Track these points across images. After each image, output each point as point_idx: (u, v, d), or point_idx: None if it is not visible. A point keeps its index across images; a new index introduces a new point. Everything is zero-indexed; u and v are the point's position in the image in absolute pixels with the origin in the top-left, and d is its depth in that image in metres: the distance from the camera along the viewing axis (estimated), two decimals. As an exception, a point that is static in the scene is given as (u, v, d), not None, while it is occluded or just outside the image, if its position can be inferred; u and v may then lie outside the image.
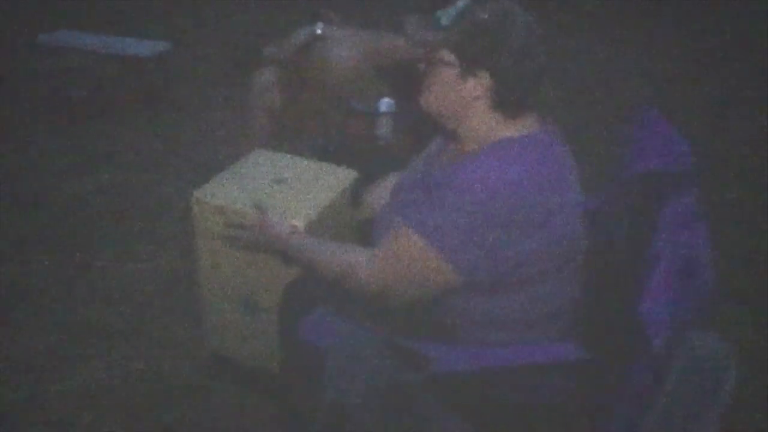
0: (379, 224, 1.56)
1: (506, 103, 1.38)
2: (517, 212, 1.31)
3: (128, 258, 2.62)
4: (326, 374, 1.24)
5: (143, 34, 4.27)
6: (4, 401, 1.97)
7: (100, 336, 2.21)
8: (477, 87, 1.36)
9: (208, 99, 4.05)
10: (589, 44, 4.95)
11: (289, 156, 1.96)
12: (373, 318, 1.44)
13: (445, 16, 1.38)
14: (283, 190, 1.78)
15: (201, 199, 1.74)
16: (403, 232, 1.37)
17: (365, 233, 1.87)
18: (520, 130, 1.39)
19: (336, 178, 1.85)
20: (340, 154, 2.65)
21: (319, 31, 2.49)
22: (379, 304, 1.43)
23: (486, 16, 1.34)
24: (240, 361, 1.94)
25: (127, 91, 3.96)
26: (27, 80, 4.23)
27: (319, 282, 1.49)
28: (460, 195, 1.32)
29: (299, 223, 1.64)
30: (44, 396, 1.99)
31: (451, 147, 1.53)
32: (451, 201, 1.32)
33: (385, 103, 2.47)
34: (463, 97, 1.38)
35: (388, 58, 2.49)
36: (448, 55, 1.37)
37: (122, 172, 3.27)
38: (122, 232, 2.79)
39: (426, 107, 1.45)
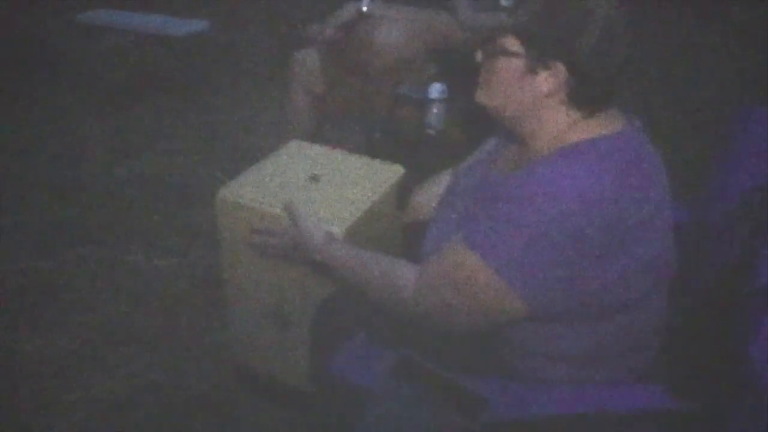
0: (431, 236, 1.34)
1: (585, 99, 1.14)
2: (600, 230, 1.07)
3: (158, 252, 2.48)
4: (365, 421, 1.04)
5: (182, 14, 4.12)
6: (21, 408, 1.84)
7: (124, 341, 2.06)
8: (549, 81, 1.13)
9: (249, 82, 3.89)
10: (664, 21, 4.50)
11: (326, 149, 1.74)
12: (412, 341, 1.23)
13: None
14: (319, 190, 1.56)
15: (226, 198, 1.54)
16: (459, 250, 1.15)
17: (410, 239, 1.68)
18: (601, 129, 1.15)
19: (380, 176, 1.63)
20: (386, 143, 2.44)
21: (365, 9, 2.26)
22: (424, 330, 1.21)
23: None
24: (268, 375, 1.75)
25: (166, 73, 3.83)
26: (65, 62, 4.14)
27: (358, 301, 1.28)
28: (529, 209, 1.08)
29: (337, 230, 1.42)
30: (63, 404, 1.85)
31: (514, 149, 1.30)
32: (518, 216, 1.09)
33: (437, 89, 2.24)
34: (531, 93, 1.15)
35: (441, 40, 2.25)
36: (513, 44, 1.14)
37: (158, 159, 3.15)
38: (154, 224, 2.66)
39: (485, 104, 1.22)
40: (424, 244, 1.35)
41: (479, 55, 1.21)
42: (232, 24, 4.69)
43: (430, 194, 1.66)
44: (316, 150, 1.73)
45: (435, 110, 2.25)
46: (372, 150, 2.39)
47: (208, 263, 2.38)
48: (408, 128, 2.33)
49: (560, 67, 1.11)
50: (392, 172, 1.65)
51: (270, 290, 1.57)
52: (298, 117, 2.52)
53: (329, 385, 1.18)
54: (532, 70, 1.13)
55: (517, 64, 1.14)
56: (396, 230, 1.67)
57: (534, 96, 1.15)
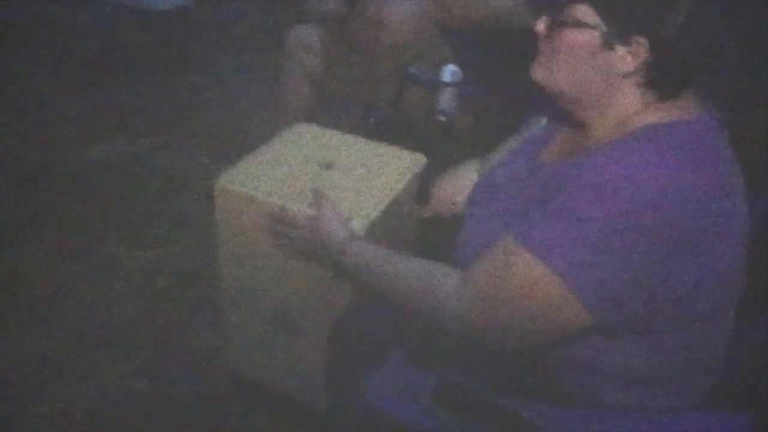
0: (470, 235, 1.16)
1: (664, 81, 1.01)
2: (677, 228, 0.93)
3: (137, 244, 2.26)
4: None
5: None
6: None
7: (101, 343, 1.86)
8: (627, 59, 1.00)
9: (237, 61, 3.65)
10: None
11: (338, 133, 1.55)
12: (450, 359, 1.06)
13: None
14: (332, 179, 1.37)
15: (226, 187, 1.34)
16: (512, 251, 0.99)
17: (427, 236, 1.50)
18: (678, 113, 1.02)
19: (400, 165, 1.44)
20: (390, 130, 2.25)
21: (372, -20, 2.06)
22: (466, 346, 1.04)
23: None
24: (268, 385, 1.56)
25: (144, 49, 3.59)
26: (33, 34, 3.86)
27: (388, 310, 1.10)
28: (596, 202, 0.94)
29: (357, 225, 1.24)
30: (30, 418, 1.64)
31: (568, 134, 1.16)
32: (582, 210, 0.94)
33: (450, 72, 2.05)
34: (603, 71, 1.02)
35: (456, 18, 2.06)
36: (588, 14, 1.01)
37: (135, 141, 2.91)
38: (132, 213, 2.43)
39: (544, 82, 1.08)
40: (462, 245, 1.18)
41: (541, 25, 1.06)
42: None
43: (452, 187, 1.50)
44: (326, 134, 1.54)
45: (447, 95, 2.07)
46: (373, 138, 2.21)
47: (195, 256, 2.18)
48: (417, 115, 2.14)
49: (643, 44, 0.98)
50: (413, 161, 1.47)
51: (274, 292, 1.38)
52: (293, 100, 2.31)
53: (359, 415, 0.99)
54: (608, 46, 1.00)
55: (591, 37, 1.00)
56: (413, 227, 1.49)
57: (606, 75, 1.02)
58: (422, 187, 1.48)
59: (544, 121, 1.27)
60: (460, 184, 1.47)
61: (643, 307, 0.96)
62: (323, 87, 2.26)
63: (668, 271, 0.94)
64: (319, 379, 1.32)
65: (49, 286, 2.06)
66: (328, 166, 1.41)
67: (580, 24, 1.00)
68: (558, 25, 1.02)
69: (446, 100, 2.07)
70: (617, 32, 0.98)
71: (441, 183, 1.50)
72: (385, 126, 2.22)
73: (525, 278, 0.97)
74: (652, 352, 1.03)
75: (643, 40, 0.98)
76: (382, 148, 1.50)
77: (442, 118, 2.08)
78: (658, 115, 1.01)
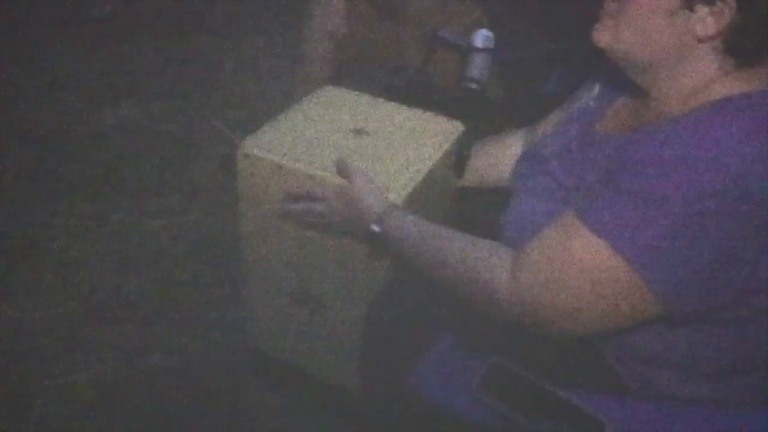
0: (520, 211, 1.06)
1: (748, 47, 0.91)
2: (761, 211, 0.83)
3: (150, 211, 2.19)
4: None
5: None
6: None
7: (113, 315, 1.78)
8: (709, 21, 0.90)
9: (255, 21, 3.52)
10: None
11: (369, 97, 1.45)
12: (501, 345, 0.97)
13: None
14: (366, 146, 1.27)
15: (251, 153, 1.24)
16: (574, 232, 0.90)
17: (463, 208, 1.42)
18: (757, 83, 0.92)
19: (437, 132, 1.34)
20: (418, 96, 2.14)
21: (403, -65, 1.94)
22: (519, 332, 0.95)
23: None
24: (289, 363, 1.47)
25: (157, 8, 3.47)
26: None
27: (427, 290, 1.00)
28: (672, 180, 0.85)
29: (394, 197, 1.14)
30: (42, 391, 1.59)
31: (630, 103, 1.07)
32: (658, 190, 0.85)
33: (483, 37, 1.92)
34: (680, 34, 0.93)
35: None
36: None
37: (147, 106, 2.81)
38: (145, 179, 2.35)
39: (609, 45, 0.98)
40: (510, 220, 1.08)
41: None
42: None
43: (494, 157, 1.41)
44: (356, 98, 1.44)
45: (479, 61, 1.95)
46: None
47: (210, 225, 2.11)
48: (446, 81, 2.03)
49: (729, 4, 0.88)
50: (451, 128, 1.36)
51: (301, 267, 1.29)
52: (315, 64, 2.20)
53: (402, 401, 0.91)
54: (688, 5, 0.90)
55: None
56: (450, 199, 1.39)
57: (682, 38, 0.92)
58: (461, 156, 1.38)
59: (596, 89, 1.17)
60: (503, 153, 1.38)
61: (717, 296, 0.88)
62: (346, 49, 2.14)
63: (749, 258, 0.85)
64: (346, 359, 1.24)
65: (59, 253, 1.99)
66: (360, 132, 1.31)
67: None
68: None
69: (478, 66, 1.94)
70: None
71: (482, 152, 1.41)
72: (412, 91, 2.12)
73: (589, 262, 0.88)
74: (719, 344, 0.94)
75: (729, 0, 0.87)
76: (417, 114, 1.39)
77: (473, 86, 1.96)
78: (737, 84, 0.92)
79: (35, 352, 1.66)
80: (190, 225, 2.12)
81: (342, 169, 1.14)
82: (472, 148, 1.42)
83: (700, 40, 0.91)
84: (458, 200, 1.43)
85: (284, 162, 1.21)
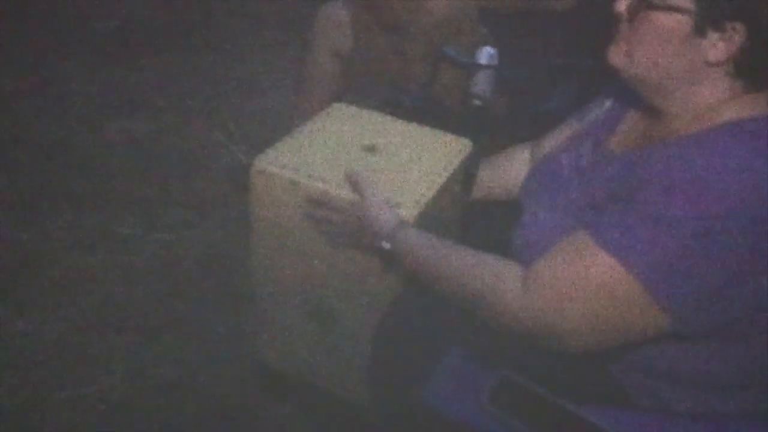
0: (531, 227, 1.08)
1: (757, 71, 0.94)
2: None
3: (157, 225, 2.19)
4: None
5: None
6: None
7: (122, 328, 1.78)
8: (719, 46, 0.93)
9: (259, 37, 3.54)
10: None
11: (379, 115, 1.47)
12: (509, 358, 0.99)
13: None
14: (377, 163, 1.29)
15: (264, 169, 1.26)
16: (588, 249, 0.92)
17: (470, 222, 1.43)
18: (766, 106, 0.95)
19: (446, 149, 1.36)
20: (417, 113, 2.16)
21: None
22: (530, 342, 0.97)
23: None
24: (298, 376, 1.48)
25: (163, 23, 3.49)
26: (51, 7, 3.75)
27: (437, 303, 1.02)
28: (682, 201, 0.87)
29: (406, 213, 1.16)
30: (50, 403, 1.58)
31: (640, 122, 1.09)
32: (668, 210, 0.87)
33: (487, 54, 1.95)
34: (691, 58, 0.95)
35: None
36: None
37: (153, 119, 2.82)
38: (150, 193, 2.35)
39: (622, 66, 1.01)
40: (521, 237, 1.10)
41: (622, 6, 0.98)
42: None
43: (503, 171, 1.43)
44: (367, 116, 1.46)
45: (483, 78, 1.97)
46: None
47: (215, 239, 2.11)
48: (450, 97, 2.05)
49: (739, 30, 0.90)
50: (460, 146, 1.38)
51: (313, 282, 1.30)
52: (321, 81, 2.22)
53: (414, 414, 0.92)
54: (699, 31, 0.92)
55: (681, 21, 0.93)
56: (459, 215, 1.41)
57: (694, 62, 0.95)
58: (469, 173, 1.40)
59: (607, 104, 1.19)
60: (510, 165, 1.41)
61: (727, 313, 0.90)
62: (350, 65, 2.17)
63: (755, 277, 0.87)
64: (357, 372, 1.25)
65: (66, 267, 1.99)
66: (371, 149, 1.33)
67: (669, 7, 0.92)
68: (644, 7, 0.94)
69: (482, 83, 1.98)
70: (711, 17, 0.91)
71: (489, 167, 1.43)
72: (417, 108, 2.14)
73: (600, 280, 0.89)
74: (727, 359, 0.96)
75: (739, 26, 0.90)
76: (426, 132, 1.41)
77: (478, 102, 1.99)
78: (746, 107, 0.94)
79: (44, 365, 1.66)
80: (196, 238, 2.13)
81: (354, 185, 1.16)
82: (482, 163, 1.44)
83: (711, 65, 0.93)
84: (465, 213, 1.44)
85: (297, 178, 1.23)
